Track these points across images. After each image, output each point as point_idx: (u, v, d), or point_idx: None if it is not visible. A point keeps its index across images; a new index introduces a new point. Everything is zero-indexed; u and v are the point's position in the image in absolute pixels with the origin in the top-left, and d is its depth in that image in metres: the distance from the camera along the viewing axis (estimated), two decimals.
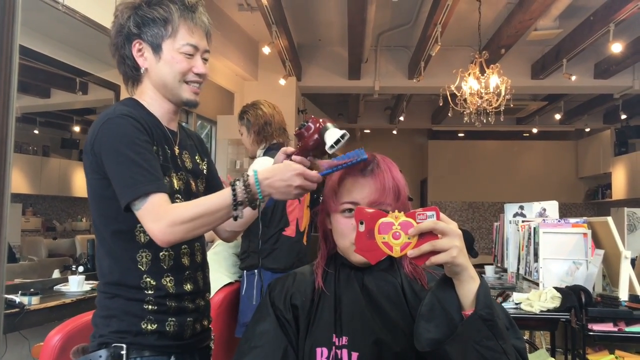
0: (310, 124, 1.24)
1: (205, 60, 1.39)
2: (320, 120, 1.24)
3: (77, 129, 3.69)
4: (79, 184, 3.63)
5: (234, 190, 1.16)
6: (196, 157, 1.48)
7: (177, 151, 1.39)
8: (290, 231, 2.62)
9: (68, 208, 3.54)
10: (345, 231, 1.08)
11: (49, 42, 3.16)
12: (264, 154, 2.68)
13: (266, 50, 5.33)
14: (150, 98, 1.37)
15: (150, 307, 1.27)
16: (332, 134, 1.20)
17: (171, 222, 1.14)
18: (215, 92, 5.88)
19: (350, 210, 1.08)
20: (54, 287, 2.95)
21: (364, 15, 4.78)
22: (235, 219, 1.18)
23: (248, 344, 1.10)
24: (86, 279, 3.03)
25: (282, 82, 6.00)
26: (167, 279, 1.30)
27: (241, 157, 5.88)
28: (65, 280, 2.97)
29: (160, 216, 1.15)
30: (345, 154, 1.13)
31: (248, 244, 2.61)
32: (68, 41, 3.24)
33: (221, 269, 2.65)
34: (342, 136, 1.20)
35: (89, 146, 1.26)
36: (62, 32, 3.11)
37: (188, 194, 1.37)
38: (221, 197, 1.18)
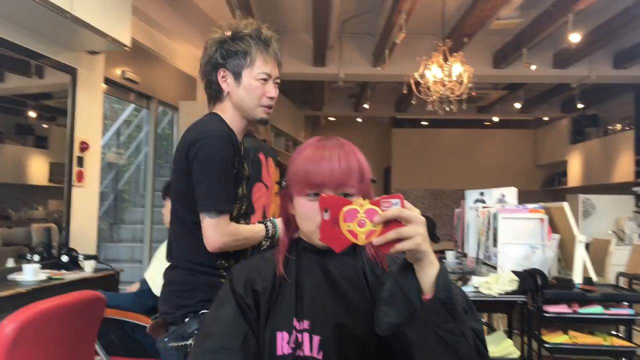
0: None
1: (276, 84, 1.70)
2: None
3: (32, 114, 3.57)
4: (35, 171, 3.53)
5: (267, 227, 1.70)
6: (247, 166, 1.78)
7: (244, 162, 1.71)
8: (256, 218, 2.60)
9: (23, 196, 3.43)
10: (309, 215, 1.08)
11: (2, 24, 3.04)
12: None
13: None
14: (230, 116, 1.69)
15: (224, 280, 1.41)
16: None
17: (230, 238, 1.56)
18: (176, 77, 5.78)
19: (315, 194, 1.08)
20: (8, 277, 2.87)
21: (329, 1, 4.76)
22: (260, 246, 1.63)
23: (207, 330, 1.10)
24: (42, 268, 2.95)
25: None
26: (232, 260, 1.62)
27: None
28: (20, 270, 2.89)
29: (225, 232, 1.55)
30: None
31: None
32: (22, 22, 3.12)
33: None
34: None
35: (184, 152, 1.55)
36: (16, 13, 2.99)
37: (248, 198, 1.77)
38: (261, 230, 1.69)
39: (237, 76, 1.65)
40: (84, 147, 3.72)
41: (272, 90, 1.67)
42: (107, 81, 4.33)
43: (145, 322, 2.47)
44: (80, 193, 3.75)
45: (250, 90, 1.65)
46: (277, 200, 2.72)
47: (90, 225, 3.89)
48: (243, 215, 1.73)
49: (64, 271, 3.10)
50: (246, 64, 1.64)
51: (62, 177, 3.62)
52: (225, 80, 1.66)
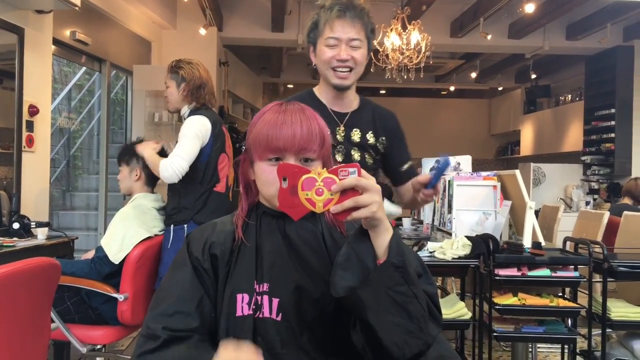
0: None
1: (353, 48, 1.73)
2: None
3: None
4: None
5: None
6: (368, 134, 1.86)
7: (342, 130, 1.81)
8: (220, 187, 2.71)
9: None
10: (271, 179, 1.08)
11: None
12: (191, 114, 2.68)
13: None
14: (320, 86, 1.85)
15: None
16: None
17: None
18: (130, 40, 5.59)
19: (277, 158, 1.08)
20: None
21: None
22: None
23: (163, 293, 1.10)
24: None
25: (203, 31, 5.78)
26: None
27: (160, 109, 5.66)
28: None
29: None
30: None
31: (179, 200, 2.63)
32: None
33: (139, 222, 2.59)
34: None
35: None
36: None
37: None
38: None
39: (314, 47, 1.79)
40: (33, 110, 3.58)
41: (342, 53, 1.72)
42: (56, 42, 4.16)
43: (102, 289, 2.44)
44: (31, 159, 3.62)
45: (320, 56, 1.76)
46: (232, 169, 2.80)
47: (42, 192, 3.77)
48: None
49: (15, 239, 3.02)
50: (318, 34, 1.76)
51: (11, 142, 3.48)
52: (311, 53, 1.81)
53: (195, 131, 2.57)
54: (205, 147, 2.62)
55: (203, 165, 2.63)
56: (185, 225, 2.59)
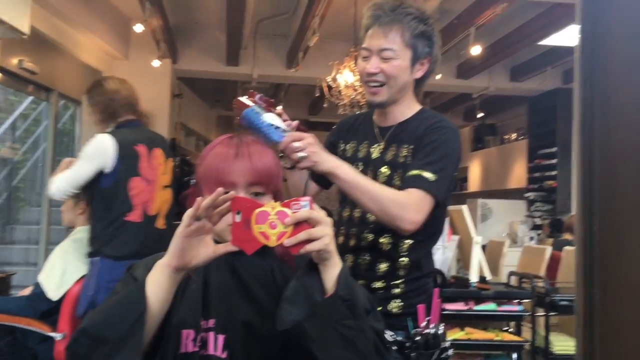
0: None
1: (385, 59, 1.47)
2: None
3: None
4: None
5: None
6: (403, 148, 1.52)
7: (380, 146, 1.54)
8: (134, 216, 2.40)
9: None
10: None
11: None
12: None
13: (138, 28, 5.08)
14: None
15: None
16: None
17: None
18: (80, 70, 5.49)
19: (226, 192, 1.07)
20: None
21: (243, 0, 4.73)
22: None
23: (101, 306, 1.04)
24: None
25: (156, 63, 5.75)
26: None
27: None
28: None
29: None
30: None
31: (92, 228, 2.43)
32: None
33: (80, 257, 2.49)
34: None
35: None
36: None
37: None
38: None
39: None
40: None
41: (370, 66, 1.48)
42: (3, 71, 4.05)
43: (38, 327, 2.33)
44: None
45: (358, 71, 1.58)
46: (163, 195, 2.51)
47: None
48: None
49: None
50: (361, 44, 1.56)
51: None
52: None
53: (87, 152, 2.36)
54: (109, 169, 2.34)
55: (108, 191, 2.36)
56: (98, 259, 2.35)
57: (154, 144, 2.49)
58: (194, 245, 0.97)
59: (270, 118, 1.30)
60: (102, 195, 2.38)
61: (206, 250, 0.98)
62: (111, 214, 2.37)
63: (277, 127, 1.29)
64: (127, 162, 2.37)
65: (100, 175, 2.34)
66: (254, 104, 1.32)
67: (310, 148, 1.26)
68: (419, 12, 1.50)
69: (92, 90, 2.52)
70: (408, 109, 1.56)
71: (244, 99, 1.33)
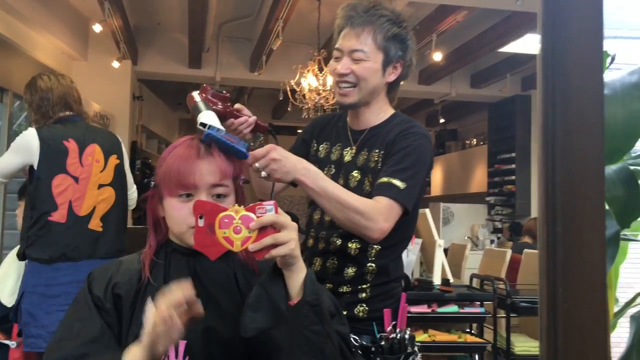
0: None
1: (355, 60, 1.45)
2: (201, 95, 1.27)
3: None
4: None
5: None
6: (374, 153, 1.49)
7: (352, 150, 1.53)
8: (58, 216, 2.26)
9: None
10: (181, 216, 1.04)
11: None
12: None
13: (97, 28, 4.96)
14: None
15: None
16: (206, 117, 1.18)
17: None
18: (37, 70, 5.30)
19: (188, 195, 1.05)
20: None
21: (206, 2, 4.68)
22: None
23: (66, 334, 1.01)
24: None
25: (116, 64, 5.63)
26: None
27: None
28: None
29: None
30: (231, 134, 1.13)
31: (21, 229, 2.33)
32: None
33: None
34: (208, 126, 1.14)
35: None
36: None
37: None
38: None
39: None
40: None
41: (340, 66, 1.47)
42: None
43: None
44: None
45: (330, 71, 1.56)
46: (99, 194, 2.36)
47: None
48: None
49: None
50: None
51: None
52: None
53: (15, 144, 2.30)
54: (35, 166, 2.25)
55: (31, 189, 2.27)
56: (26, 261, 2.26)
57: (89, 140, 2.35)
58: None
59: (205, 117, 1.17)
60: (28, 193, 2.30)
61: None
62: (34, 213, 2.26)
63: (214, 127, 1.12)
64: (50, 158, 2.27)
65: (31, 173, 2.28)
66: (200, 100, 1.25)
67: (274, 164, 1.22)
68: (394, 14, 1.48)
69: (27, 87, 2.40)
70: (381, 112, 1.55)
71: (194, 94, 1.27)
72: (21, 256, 2.28)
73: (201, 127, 1.13)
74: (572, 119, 0.55)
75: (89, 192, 2.31)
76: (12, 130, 5.05)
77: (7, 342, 2.24)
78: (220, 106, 1.28)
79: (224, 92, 1.31)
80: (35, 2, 4.60)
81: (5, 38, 4.48)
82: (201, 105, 1.22)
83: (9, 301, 2.28)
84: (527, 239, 4.95)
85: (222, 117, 1.26)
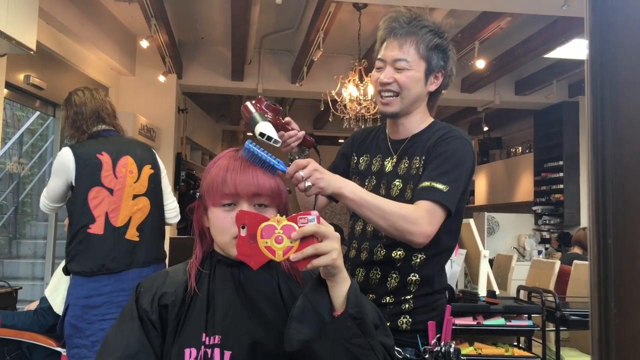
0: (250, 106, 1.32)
1: (398, 70, 1.47)
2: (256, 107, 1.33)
3: None
4: None
5: None
6: (415, 160, 1.50)
7: (392, 160, 1.54)
8: (96, 228, 2.29)
9: None
10: (225, 226, 1.06)
11: None
12: None
13: (144, 44, 5.12)
14: None
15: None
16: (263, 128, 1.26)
17: None
18: (86, 85, 5.51)
19: (230, 204, 1.06)
20: None
21: (248, 16, 4.76)
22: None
23: (109, 348, 1.05)
24: None
25: (162, 78, 5.79)
26: None
27: None
28: None
29: None
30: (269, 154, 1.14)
31: (66, 243, 2.38)
32: None
33: None
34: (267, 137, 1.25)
35: None
36: None
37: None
38: None
39: None
40: None
41: (383, 75, 1.48)
42: (9, 86, 4.07)
43: (44, 342, 2.32)
44: None
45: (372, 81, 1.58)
46: (134, 204, 2.38)
47: None
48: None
49: None
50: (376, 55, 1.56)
51: None
52: None
53: (54, 167, 2.39)
54: (72, 181, 2.33)
55: (69, 203, 2.34)
56: (69, 277, 2.31)
57: (122, 152, 2.39)
58: None
59: (263, 127, 1.25)
60: (68, 209, 2.36)
61: None
62: (73, 227, 2.31)
63: (269, 138, 1.25)
64: (85, 172, 2.31)
65: (71, 189, 2.35)
66: (255, 111, 1.30)
67: (315, 175, 1.22)
68: (435, 25, 1.50)
69: (64, 103, 2.48)
70: (421, 122, 1.56)
71: (249, 104, 1.33)
72: (65, 271, 2.34)
73: (260, 137, 1.19)
74: (622, 127, 0.53)
75: (124, 203, 2.34)
76: (63, 144, 5.24)
77: (59, 349, 2.31)
78: (271, 118, 1.32)
79: (276, 104, 1.34)
80: (85, 19, 4.79)
81: (57, 54, 4.67)
82: (257, 116, 1.29)
83: (61, 309, 2.35)
84: (576, 250, 4.79)
85: (274, 128, 1.30)
